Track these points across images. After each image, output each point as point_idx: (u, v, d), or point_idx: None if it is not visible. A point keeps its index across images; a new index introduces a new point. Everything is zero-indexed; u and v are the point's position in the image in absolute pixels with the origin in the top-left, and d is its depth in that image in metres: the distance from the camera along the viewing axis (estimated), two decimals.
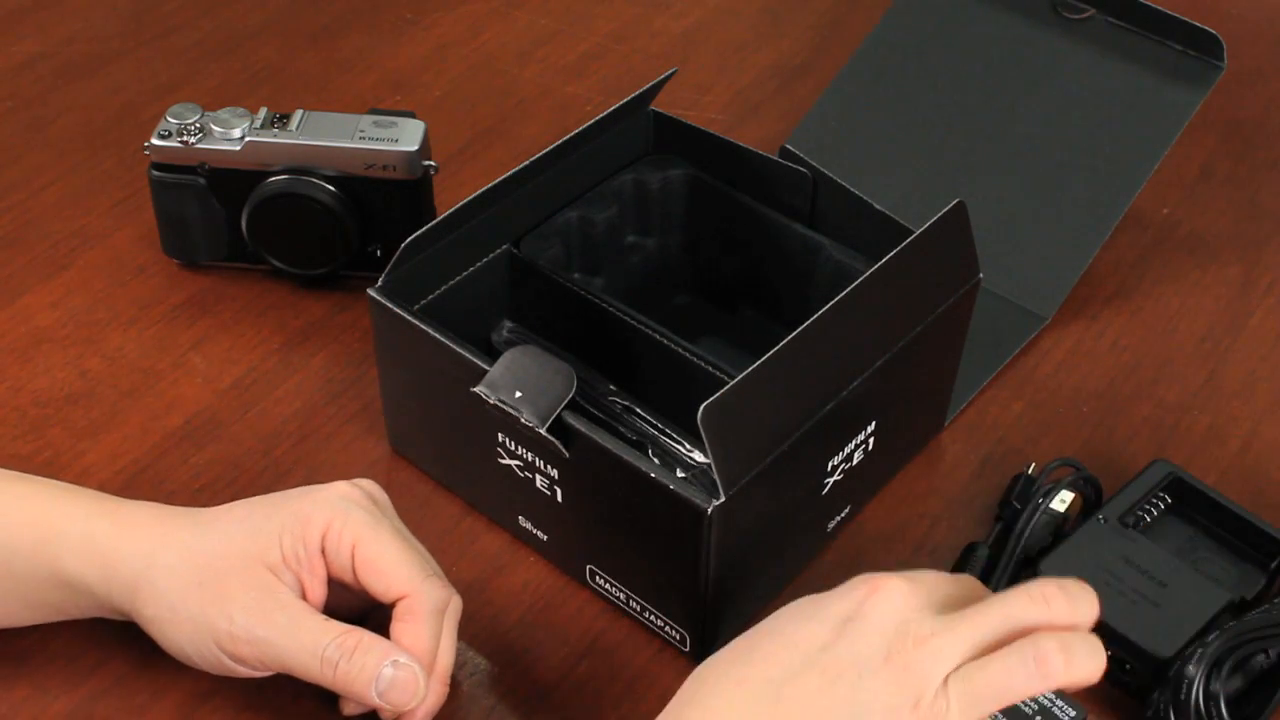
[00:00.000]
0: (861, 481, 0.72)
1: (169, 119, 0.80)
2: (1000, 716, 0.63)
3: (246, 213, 0.81)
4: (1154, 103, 0.85)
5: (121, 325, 0.83)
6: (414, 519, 0.68)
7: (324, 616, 0.61)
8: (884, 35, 0.93)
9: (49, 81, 1.00)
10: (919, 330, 0.70)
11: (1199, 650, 0.64)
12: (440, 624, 0.62)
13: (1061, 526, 0.71)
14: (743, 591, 0.68)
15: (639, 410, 0.69)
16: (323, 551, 0.62)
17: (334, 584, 0.63)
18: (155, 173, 0.81)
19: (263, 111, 0.81)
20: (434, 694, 0.62)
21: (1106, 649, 0.66)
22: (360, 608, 0.65)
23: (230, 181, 0.80)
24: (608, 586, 0.69)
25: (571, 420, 0.64)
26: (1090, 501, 0.72)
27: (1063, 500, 0.71)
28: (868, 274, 0.65)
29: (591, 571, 0.69)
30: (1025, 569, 0.70)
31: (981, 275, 0.73)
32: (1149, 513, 0.72)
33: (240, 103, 0.82)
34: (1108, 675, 0.68)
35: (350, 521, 0.62)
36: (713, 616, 0.66)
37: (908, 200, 0.79)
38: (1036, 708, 0.64)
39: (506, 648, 0.68)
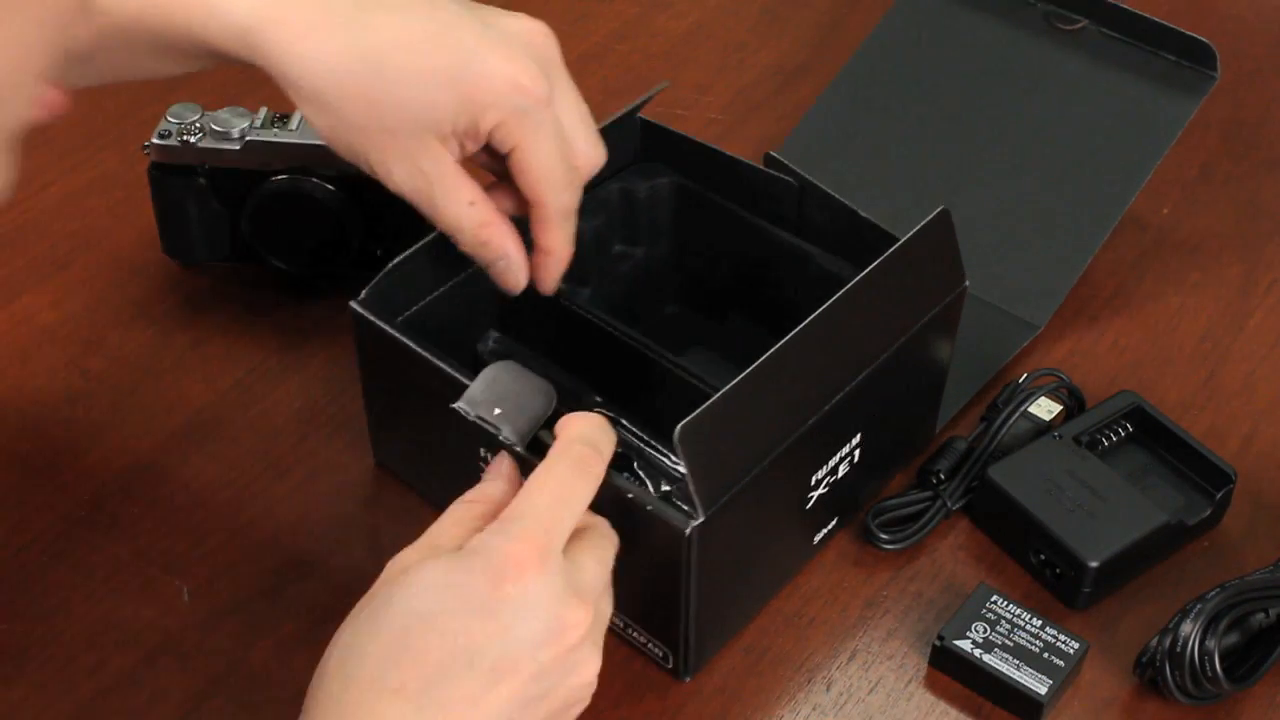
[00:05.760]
0: (848, 494, 0.72)
1: (169, 119, 0.80)
2: (1006, 655, 0.66)
3: (247, 213, 0.81)
4: (1146, 112, 0.85)
5: (121, 325, 0.83)
6: (400, 533, 0.65)
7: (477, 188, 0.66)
8: (876, 44, 0.93)
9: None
10: (905, 340, 0.69)
11: (1197, 606, 0.65)
12: (571, 227, 0.68)
13: (1042, 432, 0.75)
14: (726, 607, 0.68)
15: (624, 422, 0.68)
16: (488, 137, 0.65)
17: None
18: (155, 173, 0.81)
19: (263, 111, 0.81)
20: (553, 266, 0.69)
21: (1039, 553, 0.70)
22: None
23: (230, 181, 0.80)
24: None
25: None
26: (1072, 412, 0.77)
27: (1043, 408, 0.76)
28: (849, 285, 0.65)
29: None
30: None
31: (968, 283, 0.72)
32: (1108, 437, 0.75)
33: (240, 103, 0.82)
34: (1037, 577, 0.71)
35: (520, 126, 0.64)
36: (696, 634, 0.65)
37: (901, 208, 0.78)
38: (1041, 644, 0.65)
39: None
